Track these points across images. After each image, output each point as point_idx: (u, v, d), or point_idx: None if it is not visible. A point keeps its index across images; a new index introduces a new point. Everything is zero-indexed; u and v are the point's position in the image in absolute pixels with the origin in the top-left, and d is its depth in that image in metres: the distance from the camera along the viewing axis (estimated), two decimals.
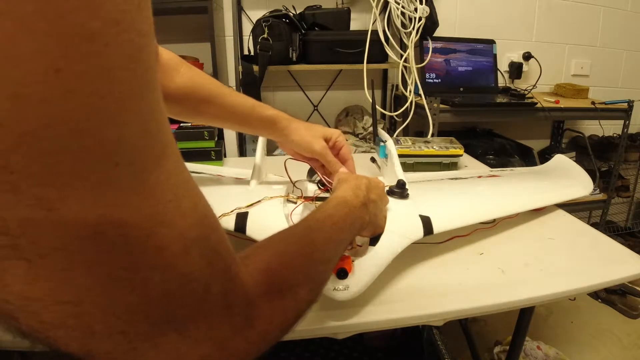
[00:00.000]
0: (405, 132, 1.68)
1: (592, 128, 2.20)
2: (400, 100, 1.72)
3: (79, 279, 0.19)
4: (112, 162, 0.19)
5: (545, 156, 1.93)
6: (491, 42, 1.90)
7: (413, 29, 1.59)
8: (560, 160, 1.05)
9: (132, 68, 0.19)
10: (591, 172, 1.09)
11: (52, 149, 0.17)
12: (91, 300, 0.20)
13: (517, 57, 2.02)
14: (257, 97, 1.57)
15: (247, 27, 1.72)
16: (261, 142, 0.85)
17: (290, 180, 0.78)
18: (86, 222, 0.18)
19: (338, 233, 0.41)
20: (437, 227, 0.64)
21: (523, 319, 0.91)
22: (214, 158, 1.10)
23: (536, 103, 1.67)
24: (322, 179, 0.77)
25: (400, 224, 0.61)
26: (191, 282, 0.23)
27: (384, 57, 1.63)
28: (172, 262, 0.22)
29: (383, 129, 1.79)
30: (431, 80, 1.80)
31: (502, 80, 1.99)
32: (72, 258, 0.19)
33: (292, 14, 1.57)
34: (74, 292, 0.19)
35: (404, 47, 1.64)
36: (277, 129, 0.70)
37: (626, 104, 1.77)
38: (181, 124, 1.12)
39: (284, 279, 0.31)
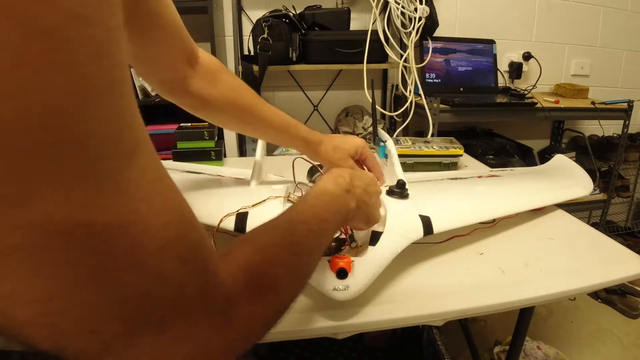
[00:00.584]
0: (405, 132, 1.68)
1: (592, 128, 2.20)
2: (400, 100, 1.72)
3: (47, 278, 0.19)
4: (78, 161, 0.18)
5: (545, 156, 1.93)
6: (491, 42, 1.90)
7: (413, 29, 1.59)
8: (560, 160, 1.05)
9: (98, 64, 0.19)
10: (591, 172, 1.09)
11: (13, 146, 0.16)
12: (59, 299, 0.19)
13: (517, 57, 2.01)
14: None
15: (247, 27, 1.71)
16: (261, 142, 0.85)
17: (294, 181, 0.78)
18: (52, 221, 0.18)
19: (321, 223, 0.40)
20: (437, 227, 0.64)
21: (523, 319, 0.91)
22: (214, 158, 1.10)
23: (536, 103, 1.67)
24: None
25: (400, 224, 0.61)
26: (167, 282, 0.23)
27: (384, 57, 1.62)
28: (145, 262, 0.22)
29: (383, 129, 1.79)
30: (431, 80, 1.80)
31: (502, 80, 1.99)
32: (38, 257, 0.18)
33: (292, 14, 1.57)
34: (41, 290, 0.19)
35: (404, 47, 1.64)
36: (308, 150, 0.74)
37: (626, 104, 1.77)
38: (181, 124, 1.12)
39: (264, 274, 0.31)
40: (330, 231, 0.43)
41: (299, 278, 0.36)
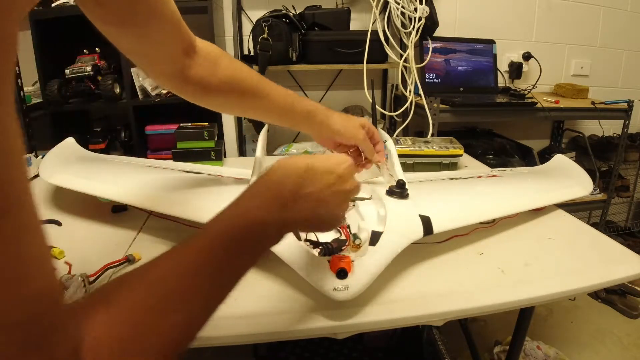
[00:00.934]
0: (405, 132, 1.68)
1: (592, 128, 2.20)
2: (400, 100, 1.72)
3: None
4: None
5: (545, 156, 1.93)
6: (491, 42, 1.90)
7: (413, 29, 1.59)
8: (560, 160, 1.05)
9: None
10: (591, 172, 1.09)
11: None
12: None
13: (517, 57, 2.01)
14: None
15: (247, 27, 1.71)
16: (261, 142, 0.85)
17: None
18: None
19: (217, 269, 0.34)
20: (437, 227, 0.64)
21: (523, 319, 0.91)
22: (214, 158, 1.10)
23: (536, 103, 1.67)
24: None
25: (400, 224, 0.61)
26: None
27: (384, 57, 1.62)
28: None
29: (383, 129, 1.79)
30: (431, 80, 1.80)
31: (502, 80, 1.99)
32: None
33: (292, 14, 1.57)
34: None
35: (403, 47, 1.64)
36: (315, 122, 0.71)
37: (626, 104, 1.77)
38: (181, 124, 1.12)
39: (127, 351, 0.27)
40: (235, 274, 0.36)
41: (176, 342, 0.30)
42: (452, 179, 0.97)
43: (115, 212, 0.82)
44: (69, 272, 0.59)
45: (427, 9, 1.58)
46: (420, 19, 1.59)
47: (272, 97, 0.66)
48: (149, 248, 0.69)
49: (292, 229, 0.43)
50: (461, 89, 1.83)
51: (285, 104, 0.68)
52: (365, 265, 0.52)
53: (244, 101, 0.66)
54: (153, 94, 1.54)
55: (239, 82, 0.64)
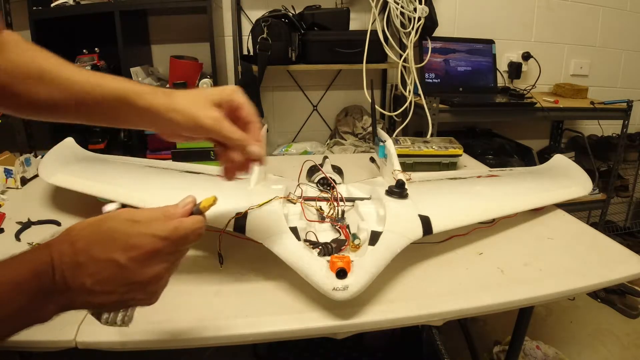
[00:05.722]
0: (405, 132, 1.68)
1: (591, 128, 2.20)
2: (399, 100, 1.72)
3: None
4: None
5: (544, 156, 1.93)
6: (490, 42, 1.90)
7: (412, 28, 1.59)
8: (560, 160, 1.05)
9: None
10: (590, 172, 1.09)
11: None
12: None
13: (517, 57, 2.02)
14: (257, 97, 1.57)
15: (247, 27, 1.71)
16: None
17: (298, 180, 0.79)
18: None
19: None
20: (437, 226, 0.64)
21: (522, 319, 0.91)
22: (213, 158, 1.10)
23: (535, 103, 1.67)
24: (326, 176, 0.77)
25: (400, 224, 0.61)
26: None
27: (383, 57, 1.63)
28: None
29: (382, 129, 1.79)
30: (430, 80, 1.80)
31: (502, 80, 1.99)
32: None
33: (291, 14, 1.57)
34: None
35: (403, 47, 1.64)
36: (133, 109, 0.45)
37: (625, 104, 1.77)
38: None
39: None
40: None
41: None
42: (451, 179, 0.97)
43: None
44: None
45: (426, 9, 1.58)
46: (419, 19, 1.59)
47: (67, 77, 0.44)
48: None
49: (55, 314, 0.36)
50: (460, 89, 1.83)
51: (86, 86, 0.44)
52: (365, 265, 0.52)
53: (30, 87, 0.43)
54: None
55: (23, 66, 0.43)
